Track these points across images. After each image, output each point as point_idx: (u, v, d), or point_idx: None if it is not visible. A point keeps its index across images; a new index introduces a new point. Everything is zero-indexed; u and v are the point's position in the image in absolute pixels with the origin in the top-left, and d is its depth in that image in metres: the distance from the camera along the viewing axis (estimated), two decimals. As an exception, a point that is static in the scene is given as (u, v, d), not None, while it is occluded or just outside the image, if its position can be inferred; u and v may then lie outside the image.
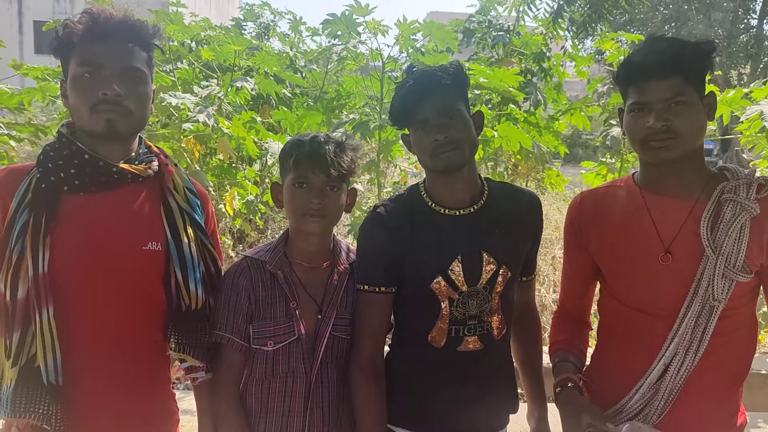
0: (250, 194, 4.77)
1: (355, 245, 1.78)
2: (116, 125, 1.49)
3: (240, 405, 1.69)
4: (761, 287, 1.59)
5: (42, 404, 1.41)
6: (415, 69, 1.72)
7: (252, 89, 4.47)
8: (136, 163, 1.59)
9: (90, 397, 1.51)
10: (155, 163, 1.63)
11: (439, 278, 1.65)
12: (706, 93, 1.56)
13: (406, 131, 1.72)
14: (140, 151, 1.63)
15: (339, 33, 4.00)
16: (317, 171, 1.65)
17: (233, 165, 5.43)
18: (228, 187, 4.80)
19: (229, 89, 4.49)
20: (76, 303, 1.48)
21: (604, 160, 4.91)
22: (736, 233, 1.50)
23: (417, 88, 1.64)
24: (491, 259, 1.67)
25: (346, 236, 4.55)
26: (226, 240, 5.09)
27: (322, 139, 1.68)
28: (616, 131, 4.51)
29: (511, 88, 4.19)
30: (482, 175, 1.78)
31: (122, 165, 1.55)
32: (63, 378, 1.45)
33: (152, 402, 1.65)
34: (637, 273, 1.61)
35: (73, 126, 1.57)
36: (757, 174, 1.58)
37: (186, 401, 1.75)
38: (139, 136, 1.64)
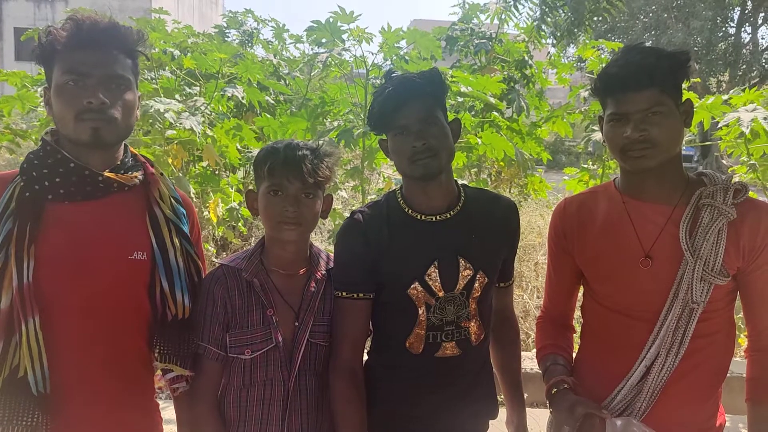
0: (234, 201, 4.76)
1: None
2: (101, 134, 1.47)
3: (218, 414, 1.67)
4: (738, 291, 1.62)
5: (26, 416, 1.39)
6: (394, 75, 1.72)
7: (242, 98, 4.46)
8: (122, 172, 1.57)
9: (75, 408, 1.48)
10: (141, 172, 1.61)
11: (416, 284, 1.65)
12: (682, 100, 1.59)
13: (384, 136, 1.73)
14: (126, 159, 1.61)
15: (323, 40, 4.00)
16: (292, 178, 1.64)
17: (216, 172, 5.42)
18: (211, 194, 4.79)
19: (213, 96, 4.48)
20: (60, 313, 1.46)
21: (586, 166, 4.94)
22: (713, 237, 1.52)
23: (396, 94, 1.64)
24: (468, 265, 1.68)
25: (328, 243, 4.55)
26: (210, 247, 5.07)
27: (297, 146, 1.67)
28: (598, 137, 4.54)
29: (491, 98, 4.21)
30: (459, 182, 1.79)
31: (108, 174, 1.53)
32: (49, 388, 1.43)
33: (137, 412, 1.62)
34: (619, 277, 1.63)
35: (57, 133, 1.54)
36: (735, 179, 1.61)
37: (169, 411, 1.74)
38: (125, 144, 1.62)
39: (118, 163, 1.58)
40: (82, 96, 1.45)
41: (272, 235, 1.71)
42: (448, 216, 1.71)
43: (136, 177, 1.59)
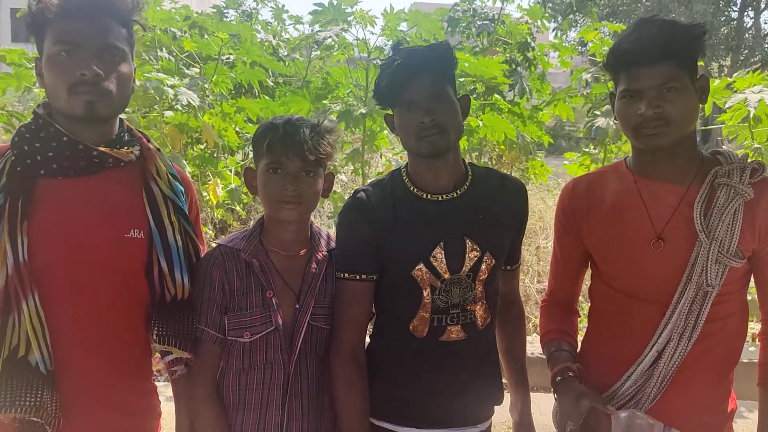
0: (233, 184, 4.73)
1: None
2: (96, 107, 1.41)
3: (216, 398, 1.63)
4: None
5: (29, 396, 1.35)
6: (401, 47, 1.65)
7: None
8: (118, 146, 1.51)
9: (70, 389, 1.44)
10: (137, 148, 1.55)
11: (421, 265, 1.61)
12: (698, 76, 1.53)
13: (390, 111, 1.67)
14: (122, 134, 1.55)
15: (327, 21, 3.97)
16: (292, 156, 1.58)
17: (215, 155, 5.38)
18: (210, 176, 4.76)
19: (213, 78, 4.44)
20: (54, 292, 1.41)
21: (587, 150, 4.91)
22: (729, 218, 1.47)
23: (405, 67, 1.58)
24: (475, 246, 1.63)
25: (328, 225, 4.52)
26: (208, 230, 5.03)
27: (297, 122, 1.61)
28: (600, 121, 4.50)
29: (495, 77, 4.18)
30: (466, 161, 1.74)
31: (103, 149, 1.47)
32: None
33: (135, 395, 1.59)
34: (629, 259, 1.58)
35: (50, 106, 1.48)
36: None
37: (169, 390, 1.72)
38: (120, 119, 1.57)
39: (114, 137, 1.52)
40: (75, 68, 1.39)
41: (271, 214, 1.66)
42: (455, 195, 1.66)
43: (132, 152, 1.53)
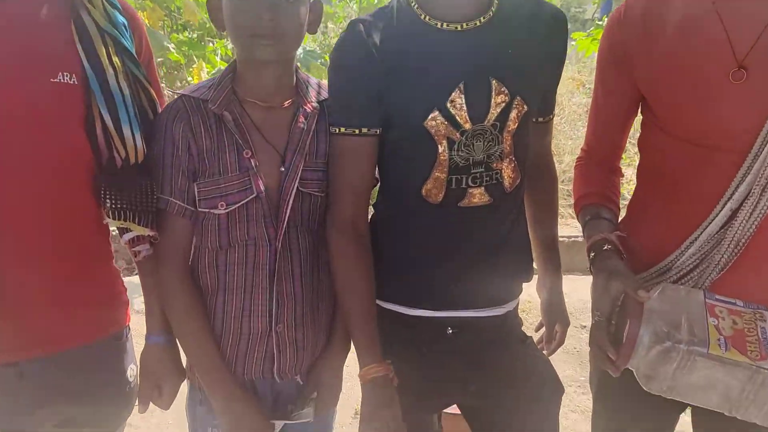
0: (220, 68, 4.49)
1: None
2: None
3: (189, 282, 1.38)
4: None
5: None
6: None
7: None
8: None
9: (12, 285, 1.19)
10: None
11: (436, 113, 1.28)
12: None
13: None
14: None
15: None
16: None
17: (202, 42, 5.13)
18: (196, 60, 4.52)
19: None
20: None
21: (600, 22, 4.59)
22: None
23: None
24: (502, 89, 1.30)
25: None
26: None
27: None
28: (617, -8, 4.15)
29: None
30: None
31: None
32: None
33: (92, 283, 1.34)
34: (699, 96, 1.24)
35: None
36: None
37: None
38: None
39: None
40: None
41: (244, 54, 1.33)
42: (478, 24, 1.30)
43: None
